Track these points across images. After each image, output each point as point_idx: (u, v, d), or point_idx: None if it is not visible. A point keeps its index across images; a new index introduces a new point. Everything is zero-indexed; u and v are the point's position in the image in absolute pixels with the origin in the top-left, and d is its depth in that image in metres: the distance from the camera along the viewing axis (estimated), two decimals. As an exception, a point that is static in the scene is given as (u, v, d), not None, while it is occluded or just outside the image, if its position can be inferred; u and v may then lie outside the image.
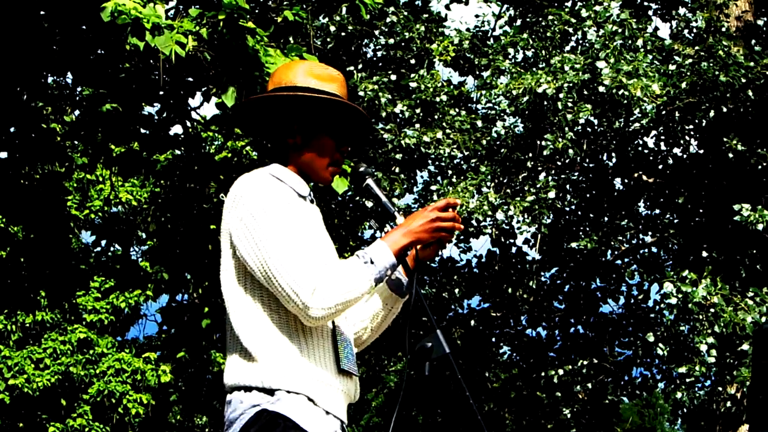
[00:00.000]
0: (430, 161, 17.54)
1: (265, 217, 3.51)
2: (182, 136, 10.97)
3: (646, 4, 19.41)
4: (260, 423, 3.44)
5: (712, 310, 14.72)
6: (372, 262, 3.51)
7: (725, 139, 15.39)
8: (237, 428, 3.48)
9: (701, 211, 16.94)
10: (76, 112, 11.29)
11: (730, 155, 15.36)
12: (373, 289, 3.53)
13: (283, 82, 3.79)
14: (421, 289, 3.74)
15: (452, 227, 3.66)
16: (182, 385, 25.64)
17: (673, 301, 14.83)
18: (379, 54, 18.55)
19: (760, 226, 14.66)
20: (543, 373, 17.87)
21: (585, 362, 17.50)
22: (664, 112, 15.82)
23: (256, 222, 3.51)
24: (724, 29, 16.31)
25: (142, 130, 10.29)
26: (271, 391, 3.46)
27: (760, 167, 15.38)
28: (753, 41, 16.68)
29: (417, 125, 17.04)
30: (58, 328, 25.47)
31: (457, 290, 18.39)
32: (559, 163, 17.22)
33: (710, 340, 14.86)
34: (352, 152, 15.87)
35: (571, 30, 17.06)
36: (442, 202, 3.66)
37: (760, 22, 17.04)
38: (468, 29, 19.12)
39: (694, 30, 17.28)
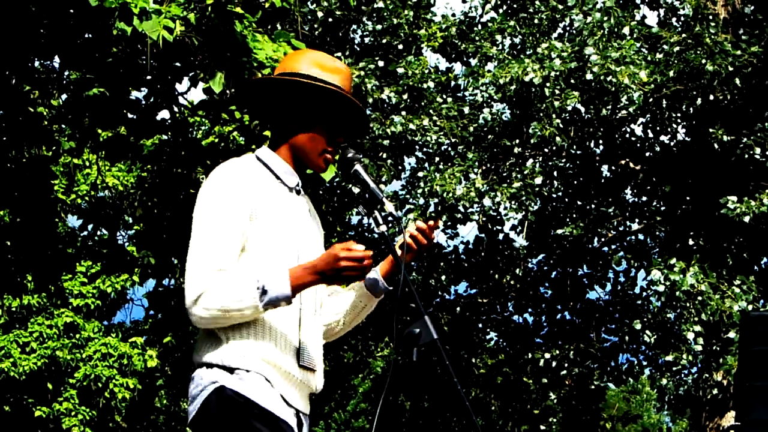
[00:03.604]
0: (417, 147, 17.54)
1: (207, 211, 3.64)
2: (169, 121, 10.96)
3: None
4: (218, 398, 3.55)
5: (699, 298, 14.77)
6: (265, 291, 3.54)
7: (711, 130, 15.42)
8: (198, 403, 3.61)
9: (688, 198, 16.97)
10: (63, 96, 11.25)
11: (716, 146, 15.39)
12: (259, 312, 3.58)
13: (288, 69, 3.87)
14: (408, 275, 3.78)
15: (359, 267, 3.62)
16: (169, 369, 25.63)
17: (661, 288, 14.87)
18: (366, 40, 18.53)
19: (746, 218, 14.70)
20: (530, 358, 17.91)
21: (571, 348, 17.54)
22: (651, 100, 15.83)
23: (199, 213, 3.66)
24: (711, 17, 16.32)
25: (130, 115, 10.26)
26: (231, 369, 3.58)
27: (746, 156, 15.40)
28: (741, 30, 16.68)
29: (404, 112, 17.02)
30: (44, 312, 25.44)
31: (444, 276, 18.41)
32: (546, 150, 17.24)
33: (697, 328, 14.90)
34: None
35: (558, 17, 17.07)
36: (357, 249, 3.62)
37: (747, 10, 17.04)
38: (455, 15, 19.11)
39: (682, 18, 17.29)
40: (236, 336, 3.59)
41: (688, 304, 14.87)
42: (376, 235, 18.40)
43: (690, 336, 14.95)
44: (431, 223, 3.91)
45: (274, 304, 3.56)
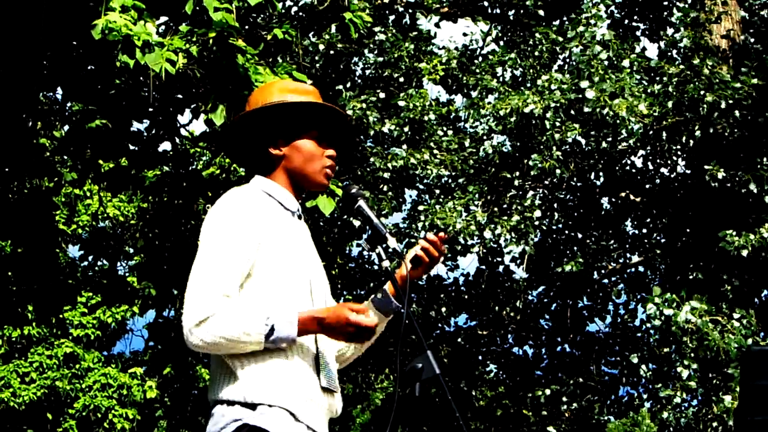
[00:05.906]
0: (417, 179, 17.56)
1: (215, 236, 3.62)
2: (171, 152, 11.00)
3: (634, 24, 19.47)
4: None
5: (696, 334, 14.71)
6: (272, 330, 3.52)
7: (706, 167, 15.40)
8: None
9: (688, 230, 16.96)
10: (66, 128, 11.30)
11: (714, 184, 15.37)
12: (260, 347, 3.54)
13: (259, 103, 3.87)
14: (409, 307, 3.79)
15: (363, 335, 3.64)
16: (168, 400, 25.61)
17: (657, 323, 14.84)
18: (368, 72, 18.58)
19: (744, 252, 14.68)
20: (529, 392, 17.87)
21: (571, 381, 17.50)
22: (651, 132, 15.85)
23: (207, 238, 3.64)
24: (710, 48, 16.33)
25: (131, 147, 10.31)
26: (253, 406, 3.51)
27: (744, 190, 15.38)
28: (742, 61, 16.67)
29: (405, 145, 17.06)
30: (44, 343, 25.44)
31: (444, 308, 18.39)
32: (546, 183, 17.25)
33: (694, 365, 14.83)
34: (341, 171, 15.90)
35: (558, 49, 17.11)
36: (366, 321, 3.63)
37: (747, 41, 17.07)
38: (456, 48, 19.17)
39: (681, 50, 17.32)
40: (253, 368, 3.54)
41: (685, 339, 14.82)
42: (376, 267, 18.39)
43: (684, 374, 14.87)
44: (441, 234, 3.89)
45: (276, 344, 3.55)
